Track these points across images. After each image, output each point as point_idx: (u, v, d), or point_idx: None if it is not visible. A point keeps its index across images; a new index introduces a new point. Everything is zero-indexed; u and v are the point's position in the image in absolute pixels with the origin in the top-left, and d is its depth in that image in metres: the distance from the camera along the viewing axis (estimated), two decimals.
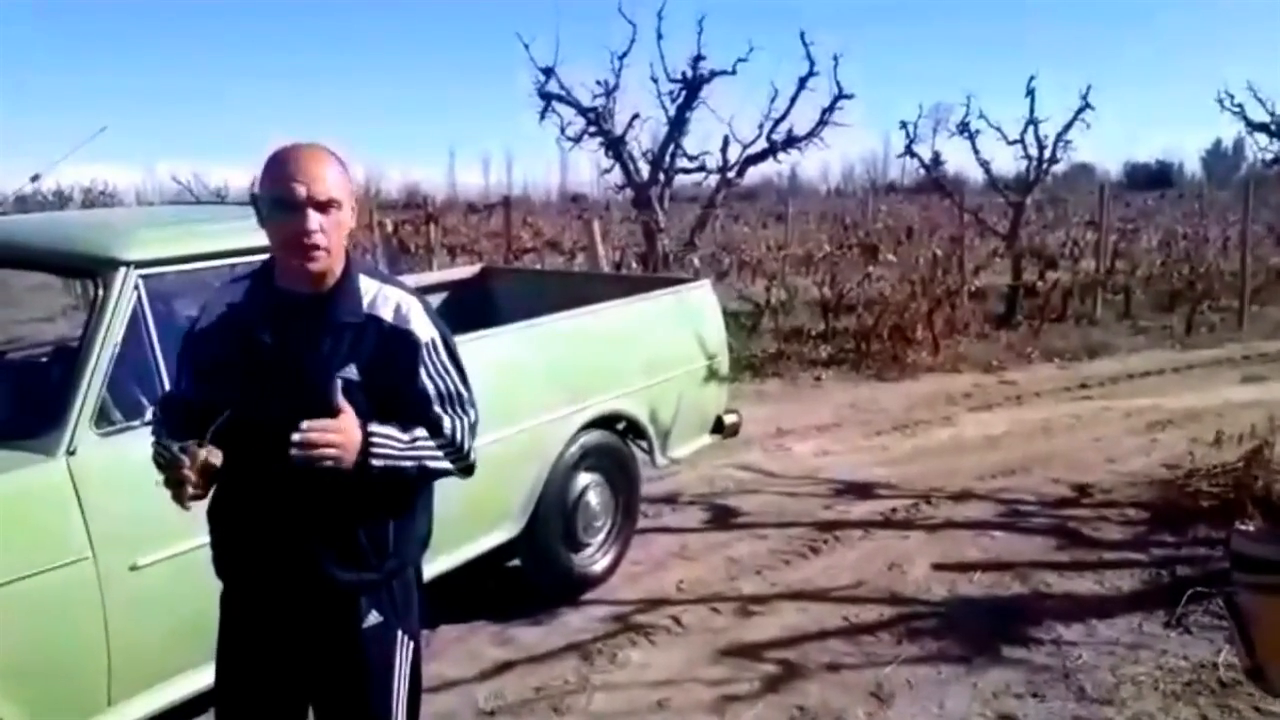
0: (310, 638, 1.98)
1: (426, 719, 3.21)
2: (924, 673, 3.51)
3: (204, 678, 2.48)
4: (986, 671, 3.50)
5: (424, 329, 1.94)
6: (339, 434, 1.78)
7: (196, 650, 2.43)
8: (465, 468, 2.02)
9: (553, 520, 4.02)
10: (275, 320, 1.88)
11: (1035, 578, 4.30)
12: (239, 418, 1.84)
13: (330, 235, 1.84)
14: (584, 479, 4.18)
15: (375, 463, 1.83)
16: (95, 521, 2.55)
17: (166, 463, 1.81)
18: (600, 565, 4.28)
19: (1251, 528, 2.71)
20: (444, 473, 1.99)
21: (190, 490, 1.80)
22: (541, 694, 3.41)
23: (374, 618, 1.98)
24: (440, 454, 1.94)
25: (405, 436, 1.88)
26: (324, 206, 1.82)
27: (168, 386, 2.55)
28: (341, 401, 1.80)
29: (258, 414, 1.85)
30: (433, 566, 3.56)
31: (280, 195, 1.81)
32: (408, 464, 1.89)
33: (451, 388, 1.96)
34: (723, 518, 5.16)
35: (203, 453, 1.79)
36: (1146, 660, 3.56)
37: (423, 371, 1.92)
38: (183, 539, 2.54)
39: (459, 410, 1.97)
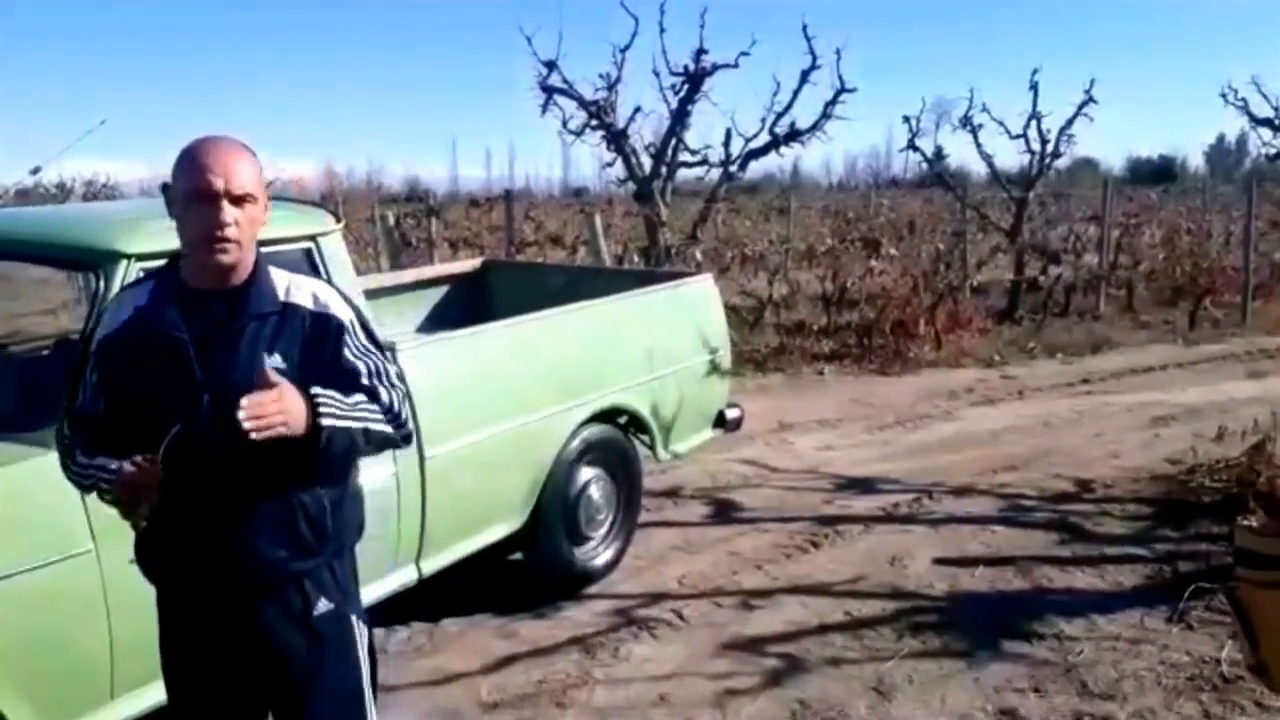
0: (264, 633, 1.95)
1: (430, 713, 3.25)
2: (925, 667, 3.51)
3: None
4: (988, 666, 3.50)
5: (343, 311, 1.95)
6: (280, 400, 1.75)
7: None
8: (405, 435, 2.03)
9: (555, 514, 4.02)
10: (192, 320, 1.84)
11: (1037, 573, 4.29)
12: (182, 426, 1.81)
13: (243, 230, 1.82)
14: (586, 473, 4.18)
15: (325, 422, 1.80)
16: (97, 515, 2.52)
17: (118, 482, 1.76)
18: (602, 559, 4.29)
19: (1255, 523, 2.71)
20: (387, 438, 1.97)
21: (147, 509, 1.76)
22: (544, 687, 3.41)
23: (324, 605, 1.98)
24: (382, 418, 1.93)
25: (348, 399, 1.87)
26: (239, 200, 1.80)
27: None
28: (274, 376, 1.76)
29: (187, 417, 1.81)
30: (435, 561, 3.57)
31: (196, 187, 1.78)
32: (354, 424, 1.87)
33: (377, 364, 1.97)
34: (724, 512, 5.16)
35: (158, 467, 1.74)
36: (1148, 655, 3.56)
37: (347, 352, 1.93)
38: None
39: (389, 383, 1.97)
